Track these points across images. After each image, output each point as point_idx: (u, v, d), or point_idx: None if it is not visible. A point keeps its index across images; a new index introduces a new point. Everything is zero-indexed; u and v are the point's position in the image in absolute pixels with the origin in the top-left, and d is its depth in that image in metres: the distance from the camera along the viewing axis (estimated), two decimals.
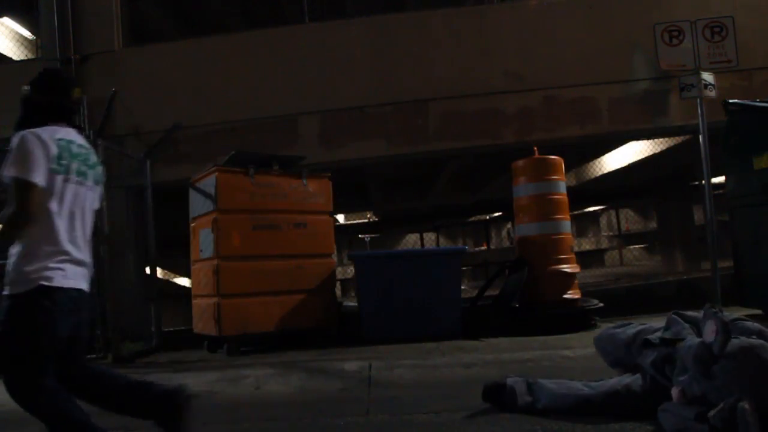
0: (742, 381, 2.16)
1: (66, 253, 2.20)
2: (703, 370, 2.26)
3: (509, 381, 2.94)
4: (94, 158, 2.42)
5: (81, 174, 2.31)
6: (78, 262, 2.26)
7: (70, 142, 2.29)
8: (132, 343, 5.88)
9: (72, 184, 2.26)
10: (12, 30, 10.80)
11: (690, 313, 2.70)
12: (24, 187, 2.10)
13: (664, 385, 2.48)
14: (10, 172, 2.11)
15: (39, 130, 2.20)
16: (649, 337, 2.68)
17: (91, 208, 2.40)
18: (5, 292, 2.14)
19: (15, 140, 2.17)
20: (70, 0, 7.21)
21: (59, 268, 2.17)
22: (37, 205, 2.13)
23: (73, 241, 2.25)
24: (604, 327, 2.92)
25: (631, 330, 2.84)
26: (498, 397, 2.91)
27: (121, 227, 6.56)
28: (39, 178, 2.13)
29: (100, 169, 2.44)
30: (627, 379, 2.77)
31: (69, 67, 7.11)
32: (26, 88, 2.37)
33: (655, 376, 2.56)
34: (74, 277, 2.23)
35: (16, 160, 2.12)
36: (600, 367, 3.56)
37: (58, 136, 2.25)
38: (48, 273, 2.13)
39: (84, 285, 2.28)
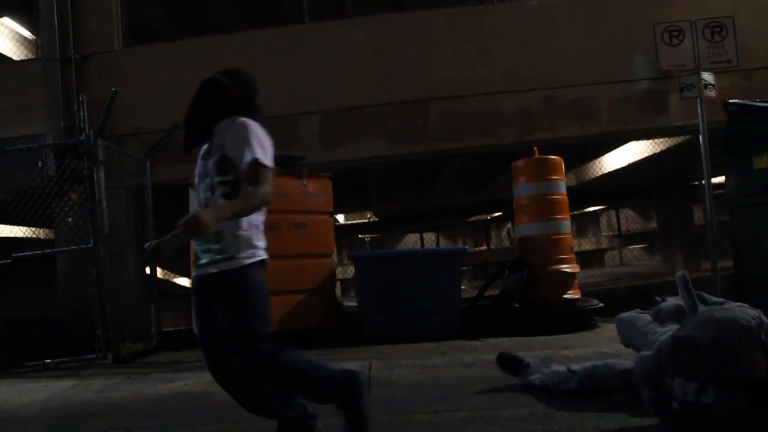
0: (708, 328, 2.20)
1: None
2: (661, 320, 2.44)
3: (528, 358, 3.31)
4: None
5: None
6: None
7: None
8: (132, 343, 5.88)
9: None
10: (12, 30, 10.80)
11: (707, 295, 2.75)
12: (266, 170, 2.23)
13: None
14: (257, 155, 2.21)
15: (253, 120, 2.34)
16: (657, 297, 2.83)
17: None
18: (236, 265, 2.23)
19: (242, 125, 2.28)
20: (70, 0, 7.21)
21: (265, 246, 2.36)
22: (271, 188, 2.26)
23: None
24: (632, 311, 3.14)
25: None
26: (515, 365, 3.32)
27: (121, 227, 6.56)
28: (271, 163, 2.28)
29: None
30: (611, 359, 2.99)
31: (69, 67, 7.12)
32: (218, 75, 2.45)
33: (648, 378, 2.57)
34: None
35: (257, 144, 2.24)
36: None
37: None
38: (261, 251, 2.32)
39: None
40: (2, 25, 10.62)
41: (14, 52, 10.68)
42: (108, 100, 5.70)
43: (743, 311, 2.25)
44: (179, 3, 10.50)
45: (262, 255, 2.31)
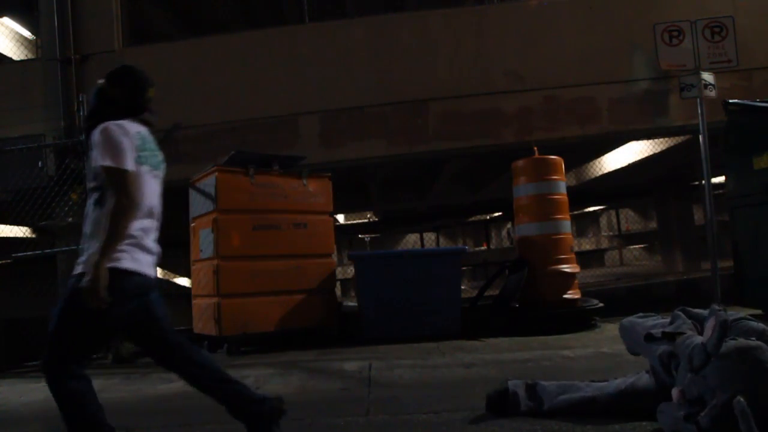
0: (735, 381, 2.11)
1: (136, 238, 2.23)
2: (695, 369, 2.25)
3: (510, 385, 2.86)
4: (161, 155, 2.45)
5: (154, 167, 2.36)
6: (147, 250, 2.29)
7: (144, 136, 2.33)
8: (132, 343, 5.87)
9: (148, 174, 2.30)
10: (12, 30, 10.80)
11: (696, 310, 2.68)
12: (121, 175, 2.14)
13: (669, 383, 2.46)
14: (105, 161, 2.13)
15: (120, 122, 2.24)
16: (652, 331, 2.66)
17: (159, 198, 2.43)
18: (75, 271, 2.17)
19: (99, 131, 2.19)
20: (70, 0, 7.22)
21: (127, 252, 2.19)
22: (136, 190, 2.17)
23: (144, 228, 2.28)
24: (631, 316, 2.90)
25: (650, 322, 2.79)
26: (502, 404, 2.84)
27: None
28: (130, 165, 2.17)
29: (164, 165, 2.48)
30: (632, 377, 2.74)
31: (69, 67, 7.12)
32: (101, 81, 2.39)
33: (659, 373, 2.54)
34: (142, 262, 2.25)
35: (107, 149, 2.15)
36: (600, 368, 3.56)
37: (135, 129, 2.29)
38: (118, 255, 2.14)
39: (150, 271, 2.31)
40: (2, 25, 10.62)
41: (14, 52, 10.68)
42: None
43: (760, 348, 2.16)
44: (179, 3, 10.51)
45: (117, 263, 2.13)
